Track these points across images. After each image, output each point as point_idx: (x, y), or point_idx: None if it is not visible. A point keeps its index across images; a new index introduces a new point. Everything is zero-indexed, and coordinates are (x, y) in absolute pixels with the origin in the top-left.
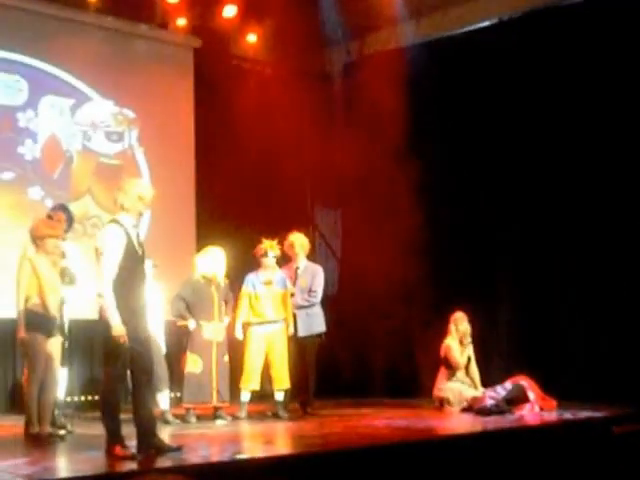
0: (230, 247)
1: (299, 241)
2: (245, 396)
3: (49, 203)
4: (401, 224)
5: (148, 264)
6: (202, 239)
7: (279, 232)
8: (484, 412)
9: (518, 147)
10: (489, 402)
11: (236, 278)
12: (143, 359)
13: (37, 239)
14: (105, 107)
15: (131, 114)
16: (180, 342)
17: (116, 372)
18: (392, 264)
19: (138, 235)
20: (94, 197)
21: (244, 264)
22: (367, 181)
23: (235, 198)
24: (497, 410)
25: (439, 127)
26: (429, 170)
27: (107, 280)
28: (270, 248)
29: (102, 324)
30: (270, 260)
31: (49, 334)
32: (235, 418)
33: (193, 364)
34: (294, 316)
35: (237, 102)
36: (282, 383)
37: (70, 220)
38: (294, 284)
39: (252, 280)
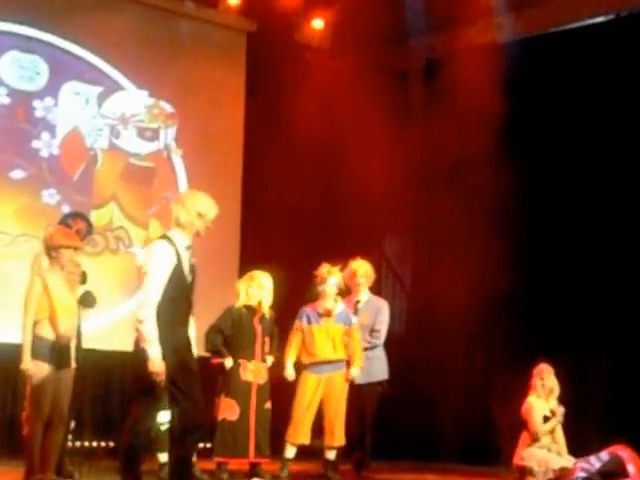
0: (279, 273)
1: (363, 270)
2: (290, 451)
3: (66, 209)
4: (486, 256)
5: None
6: (246, 262)
7: (339, 258)
8: None
9: (629, 159)
10: (580, 475)
11: (284, 310)
12: (185, 407)
13: (52, 250)
14: (138, 98)
15: (169, 108)
16: (213, 383)
17: (146, 414)
18: (471, 303)
19: (190, 259)
20: (120, 205)
21: (294, 294)
22: (448, 199)
23: (288, 215)
24: None
25: (536, 137)
26: (520, 189)
27: (150, 304)
28: (330, 274)
29: (137, 356)
30: (330, 288)
31: (59, 365)
32: (275, 478)
33: (229, 410)
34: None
35: (296, 99)
36: (336, 439)
37: (89, 230)
38: None
39: (307, 312)
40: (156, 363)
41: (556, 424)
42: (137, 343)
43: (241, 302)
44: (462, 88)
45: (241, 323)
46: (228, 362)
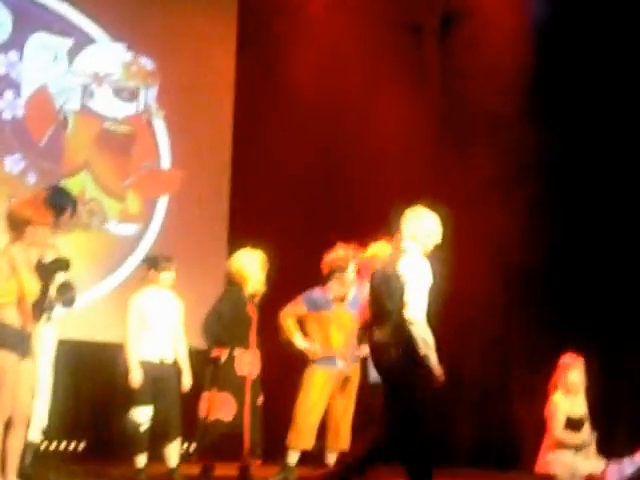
0: (273, 251)
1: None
2: (293, 457)
3: (32, 178)
4: (509, 235)
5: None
6: (236, 238)
7: (343, 235)
8: None
9: None
10: None
11: (277, 293)
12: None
13: (18, 225)
14: (114, 53)
15: (149, 64)
16: (199, 376)
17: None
18: (491, 290)
19: None
20: (93, 174)
21: (289, 274)
22: (464, 173)
23: (285, 185)
24: None
25: (564, 95)
26: (545, 171)
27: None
28: (350, 259)
29: (397, 364)
30: (350, 276)
31: (23, 354)
32: None
33: (225, 409)
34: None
35: (295, 55)
36: (341, 442)
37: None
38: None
39: (315, 297)
40: (439, 368)
41: (580, 443)
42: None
43: (251, 289)
44: (482, 44)
45: (238, 307)
46: (224, 354)
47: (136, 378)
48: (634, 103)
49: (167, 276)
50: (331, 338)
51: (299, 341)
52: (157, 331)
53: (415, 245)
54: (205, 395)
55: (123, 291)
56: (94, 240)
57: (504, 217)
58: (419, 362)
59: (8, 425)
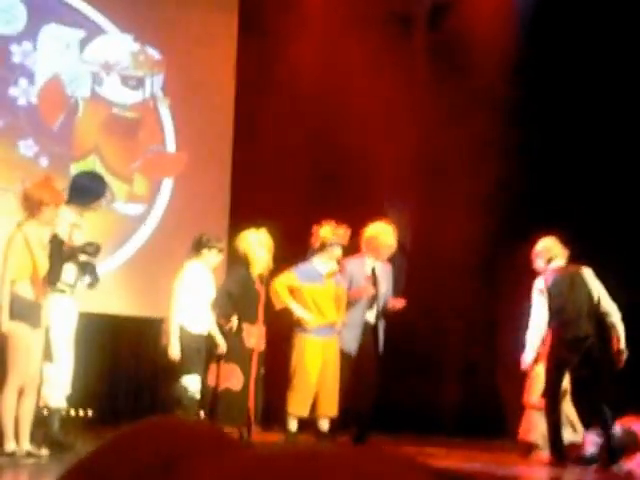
0: (273, 230)
1: (389, 239)
2: (293, 424)
3: (44, 162)
4: (492, 208)
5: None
6: (238, 219)
7: (338, 213)
8: (581, 462)
9: None
10: (590, 450)
11: (277, 268)
12: None
13: (31, 206)
14: (123, 43)
15: (156, 55)
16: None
17: None
18: (477, 260)
19: None
20: (102, 157)
21: (288, 251)
22: (455, 157)
23: (285, 167)
24: (598, 459)
25: (552, 85)
26: (537, 150)
27: None
28: (340, 236)
29: None
30: (338, 251)
31: (35, 325)
32: None
33: (234, 379)
34: (373, 328)
35: (293, 44)
36: (331, 408)
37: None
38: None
39: (307, 270)
40: None
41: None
42: None
43: (258, 269)
44: (471, 35)
45: (247, 285)
46: (233, 326)
47: (182, 349)
48: (620, 89)
49: (217, 257)
50: (322, 309)
51: (295, 307)
52: (203, 304)
53: None
54: (213, 366)
55: (129, 267)
56: (103, 219)
57: (497, 190)
58: None
59: (22, 392)
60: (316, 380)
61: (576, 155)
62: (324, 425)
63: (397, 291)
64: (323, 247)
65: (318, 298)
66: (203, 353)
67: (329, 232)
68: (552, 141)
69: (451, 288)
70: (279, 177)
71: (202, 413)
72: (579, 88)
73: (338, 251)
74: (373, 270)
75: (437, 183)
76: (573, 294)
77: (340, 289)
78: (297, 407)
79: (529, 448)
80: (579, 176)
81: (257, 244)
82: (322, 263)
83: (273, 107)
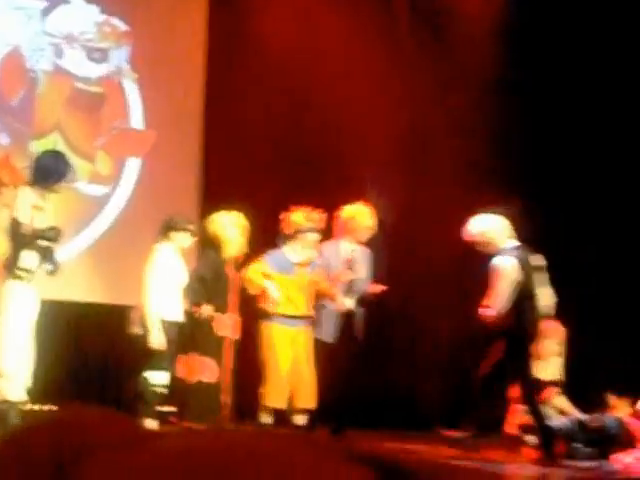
0: (247, 213)
1: (367, 220)
2: (267, 417)
3: (4, 139)
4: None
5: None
6: (210, 200)
7: (317, 195)
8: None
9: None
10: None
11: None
12: None
13: None
14: (88, 14)
15: (122, 26)
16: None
17: None
18: (463, 244)
19: None
20: (64, 135)
21: (262, 235)
22: (441, 135)
23: (258, 149)
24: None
25: (537, 63)
26: (528, 128)
27: None
28: (314, 221)
29: None
30: (313, 238)
31: None
32: None
33: (207, 371)
34: (351, 315)
35: (268, 15)
36: (308, 401)
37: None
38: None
39: (278, 258)
40: None
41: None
42: None
43: (231, 252)
44: (457, 7)
45: (218, 270)
46: (205, 312)
47: (160, 339)
48: (607, 65)
49: (188, 240)
50: (293, 299)
51: (269, 287)
52: (175, 291)
53: None
54: (183, 357)
55: (93, 252)
56: (63, 200)
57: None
58: None
59: None
60: (290, 371)
61: (568, 132)
62: (300, 419)
63: (376, 277)
64: (296, 234)
65: (289, 288)
66: (175, 343)
67: (302, 218)
68: (544, 118)
69: (434, 274)
70: (254, 157)
71: (173, 408)
72: (569, 62)
73: (313, 237)
74: (351, 254)
75: (422, 162)
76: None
77: (309, 279)
78: (272, 399)
79: (517, 442)
80: (572, 153)
81: (230, 226)
82: (294, 252)
83: (247, 82)
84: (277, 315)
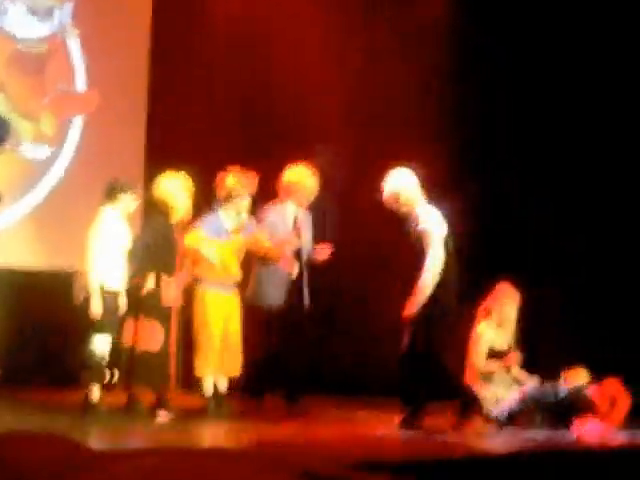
0: (194, 176)
1: (311, 185)
2: (207, 386)
3: None
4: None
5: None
6: (155, 163)
7: (263, 159)
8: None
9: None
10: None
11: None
12: None
13: None
14: None
15: None
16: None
17: None
18: None
19: None
20: (7, 95)
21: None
22: (397, 93)
23: (205, 110)
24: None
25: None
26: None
27: None
28: (247, 186)
29: None
30: (244, 202)
31: None
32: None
33: (152, 339)
34: (298, 281)
35: None
36: (234, 368)
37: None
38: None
39: (213, 224)
40: None
41: (500, 369)
42: None
43: (178, 217)
44: None
45: (165, 235)
46: (151, 281)
47: (99, 307)
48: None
49: (133, 203)
50: (226, 265)
51: (205, 249)
52: (119, 256)
53: None
54: (129, 325)
55: (36, 216)
56: (7, 162)
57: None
58: None
59: None
60: (222, 335)
61: (533, 88)
62: (223, 385)
63: (324, 239)
64: (229, 198)
65: (223, 254)
66: (118, 311)
67: (234, 181)
68: (506, 74)
69: (382, 239)
70: (200, 117)
71: (117, 376)
72: (535, 18)
73: (245, 202)
74: (295, 219)
75: (379, 122)
76: None
77: (241, 244)
78: (205, 368)
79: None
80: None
81: (176, 189)
82: (228, 217)
83: (195, 41)
84: (211, 281)
